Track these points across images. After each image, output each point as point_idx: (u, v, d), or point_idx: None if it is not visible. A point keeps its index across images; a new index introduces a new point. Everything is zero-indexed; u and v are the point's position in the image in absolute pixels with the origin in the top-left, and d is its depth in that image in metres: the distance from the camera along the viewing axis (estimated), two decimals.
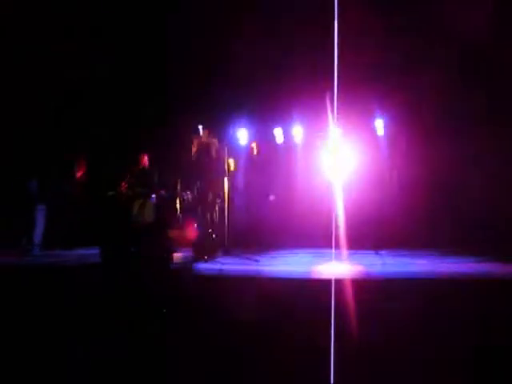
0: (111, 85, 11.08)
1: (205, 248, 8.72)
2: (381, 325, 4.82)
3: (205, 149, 9.23)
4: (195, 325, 5.17)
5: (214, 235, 8.94)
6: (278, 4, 10.31)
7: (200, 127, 9.30)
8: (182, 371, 4.10)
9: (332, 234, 10.08)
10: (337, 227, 10.01)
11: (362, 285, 5.89)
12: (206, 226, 8.95)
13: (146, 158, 10.13)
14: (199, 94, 11.11)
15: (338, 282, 5.91)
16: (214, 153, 9.22)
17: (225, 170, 9.23)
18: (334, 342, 4.31)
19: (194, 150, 9.20)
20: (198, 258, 8.49)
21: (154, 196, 9.87)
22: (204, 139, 9.28)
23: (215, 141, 9.34)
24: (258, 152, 11.31)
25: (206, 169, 9.14)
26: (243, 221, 10.33)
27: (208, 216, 9.02)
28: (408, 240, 9.65)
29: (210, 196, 9.05)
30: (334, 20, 7.41)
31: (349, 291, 5.63)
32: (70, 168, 10.61)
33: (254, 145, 11.28)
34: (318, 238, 10.00)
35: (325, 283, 5.89)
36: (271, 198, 10.94)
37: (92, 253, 7.72)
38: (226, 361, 4.26)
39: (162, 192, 10.02)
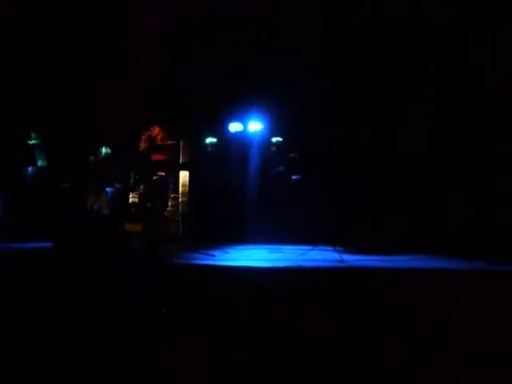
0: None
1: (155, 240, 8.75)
2: None
3: (154, 145, 9.23)
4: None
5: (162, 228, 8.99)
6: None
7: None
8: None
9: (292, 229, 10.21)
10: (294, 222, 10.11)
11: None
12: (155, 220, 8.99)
13: (102, 151, 10.07)
14: (160, 93, 11.07)
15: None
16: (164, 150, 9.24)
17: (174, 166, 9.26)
18: None
19: (142, 145, 9.20)
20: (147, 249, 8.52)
21: (109, 189, 9.80)
22: (155, 136, 9.27)
23: (168, 140, 9.34)
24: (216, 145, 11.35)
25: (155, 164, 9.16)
26: (204, 214, 10.32)
27: (157, 209, 9.04)
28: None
29: (158, 190, 9.05)
30: None
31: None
32: (28, 155, 10.47)
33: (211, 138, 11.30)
34: (277, 233, 10.08)
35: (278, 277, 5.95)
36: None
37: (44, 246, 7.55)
38: None
39: (117, 185, 9.94)
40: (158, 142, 9.26)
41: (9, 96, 10.53)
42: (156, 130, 9.23)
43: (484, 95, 9.75)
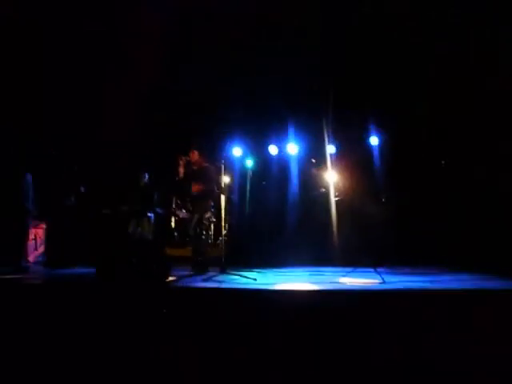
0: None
1: (200, 264, 8.77)
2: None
3: (192, 170, 9.27)
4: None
5: (205, 251, 9.02)
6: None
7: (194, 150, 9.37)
8: None
9: (331, 250, 10.16)
10: (335, 244, 10.06)
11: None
12: (198, 243, 9.00)
13: (146, 177, 10.18)
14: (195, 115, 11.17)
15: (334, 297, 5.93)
16: (203, 175, 9.27)
17: (214, 191, 9.27)
18: None
19: (181, 170, 9.23)
20: (196, 273, 8.53)
21: (150, 214, 9.88)
22: (193, 160, 9.31)
23: (206, 164, 9.37)
24: (254, 168, 11.37)
25: (194, 189, 9.17)
26: (241, 237, 10.35)
27: (198, 233, 9.05)
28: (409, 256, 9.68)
29: (198, 215, 9.06)
30: None
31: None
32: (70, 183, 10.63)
33: (249, 161, 11.33)
34: (317, 255, 10.04)
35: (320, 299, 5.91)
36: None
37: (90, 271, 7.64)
38: None
39: (158, 210, 10.02)
40: (195, 167, 9.30)
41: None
42: (195, 154, 9.27)
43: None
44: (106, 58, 10.90)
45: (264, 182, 11.61)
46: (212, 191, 9.21)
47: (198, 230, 9.02)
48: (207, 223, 10.77)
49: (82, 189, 10.73)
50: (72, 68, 10.76)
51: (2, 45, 10.19)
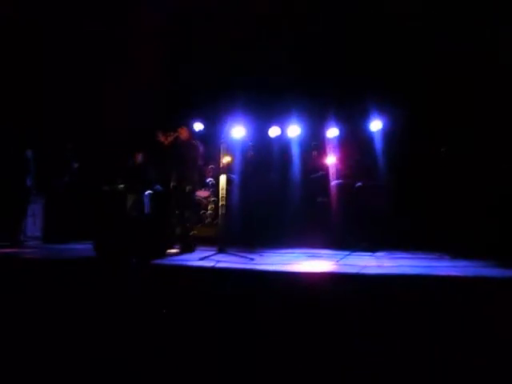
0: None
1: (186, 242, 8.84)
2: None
3: (180, 144, 9.27)
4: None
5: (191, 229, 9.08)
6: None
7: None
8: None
9: (329, 233, 10.17)
10: (334, 227, 10.07)
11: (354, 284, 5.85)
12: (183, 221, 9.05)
13: (139, 156, 10.19)
14: (196, 93, 11.16)
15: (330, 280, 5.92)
16: (190, 151, 9.27)
17: (200, 167, 9.33)
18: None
19: (166, 142, 9.24)
20: (183, 251, 8.59)
21: (148, 191, 9.87)
22: (182, 136, 9.32)
23: (193, 141, 9.38)
24: (254, 149, 11.36)
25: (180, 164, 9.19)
26: (240, 217, 10.35)
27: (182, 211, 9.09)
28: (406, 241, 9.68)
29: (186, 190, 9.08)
30: None
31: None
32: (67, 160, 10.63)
33: (250, 143, 11.32)
34: (315, 237, 10.05)
35: (316, 281, 5.90)
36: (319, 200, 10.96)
37: (87, 247, 7.64)
38: None
39: (158, 187, 10.01)
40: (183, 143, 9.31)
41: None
42: (184, 130, 9.29)
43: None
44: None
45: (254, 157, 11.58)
46: (198, 167, 9.27)
47: (185, 205, 9.08)
48: (205, 201, 10.80)
49: (75, 165, 10.71)
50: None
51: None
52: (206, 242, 9.55)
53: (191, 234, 9.08)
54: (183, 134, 9.27)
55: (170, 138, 9.19)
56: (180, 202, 9.04)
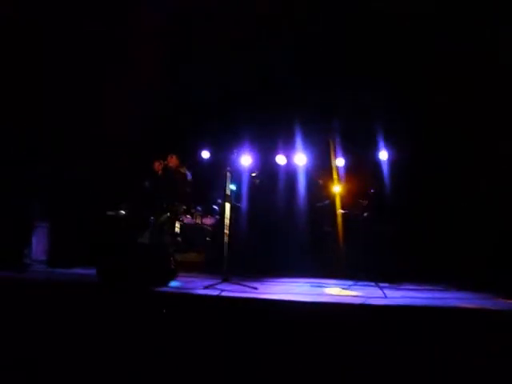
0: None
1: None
2: None
3: (169, 174, 9.35)
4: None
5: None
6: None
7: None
8: None
9: (333, 262, 10.16)
10: (338, 257, 10.05)
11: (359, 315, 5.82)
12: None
13: (146, 182, 10.24)
14: (203, 121, 11.23)
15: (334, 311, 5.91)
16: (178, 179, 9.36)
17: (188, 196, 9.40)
18: None
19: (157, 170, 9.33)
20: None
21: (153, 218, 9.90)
22: (171, 164, 9.40)
23: (182, 169, 9.47)
24: (261, 177, 11.39)
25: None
26: (244, 246, 10.35)
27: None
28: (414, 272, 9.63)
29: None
30: None
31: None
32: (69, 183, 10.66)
33: (253, 174, 11.35)
34: (320, 267, 10.04)
35: (320, 312, 5.89)
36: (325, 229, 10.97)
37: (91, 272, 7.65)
38: None
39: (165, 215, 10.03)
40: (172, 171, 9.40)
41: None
42: (173, 158, 9.40)
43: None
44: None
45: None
46: (186, 196, 9.33)
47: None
48: (210, 229, 10.84)
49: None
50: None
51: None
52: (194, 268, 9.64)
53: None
54: (172, 161, 9.36)
55: (160, 166, 9.30)
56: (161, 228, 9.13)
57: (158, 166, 9.41)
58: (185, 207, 10.69)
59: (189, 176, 9.52)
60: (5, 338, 5.62)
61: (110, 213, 10.43)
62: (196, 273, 9.38)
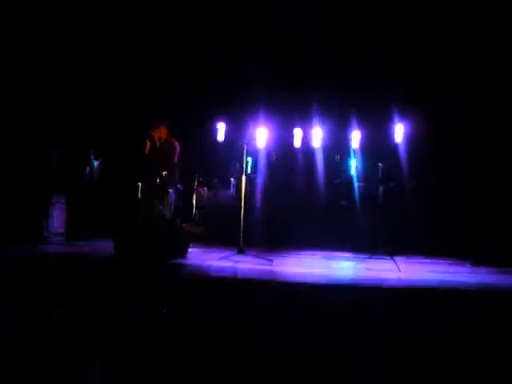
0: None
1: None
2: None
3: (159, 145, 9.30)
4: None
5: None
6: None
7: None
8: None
9: (350, 236, 10.17)
10: (355, 230, 10.06)
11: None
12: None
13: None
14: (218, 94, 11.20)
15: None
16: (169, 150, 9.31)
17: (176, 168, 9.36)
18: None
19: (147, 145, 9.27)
20: None
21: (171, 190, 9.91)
22: (162, 136, 9.35)
23: (172, 140, 9.41)
24: (277, 153, 11.39)
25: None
26: (261, 220, 10.38)
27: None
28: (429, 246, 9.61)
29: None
30: None
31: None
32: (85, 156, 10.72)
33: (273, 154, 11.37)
34: (336, 240, 10.06)
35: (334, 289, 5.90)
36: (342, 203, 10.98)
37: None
38: None
39: (179, 186, 10.05)
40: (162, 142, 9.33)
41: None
42: (163, 129, 9.33)
43: None
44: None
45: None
46: (175, 168, 9.27)
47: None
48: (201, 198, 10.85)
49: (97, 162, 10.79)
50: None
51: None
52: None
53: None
54: (162, 132, 9.27)
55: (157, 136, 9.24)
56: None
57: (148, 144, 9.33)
58: (201, 179, 10.73)
59: (177, 147, 9.35)
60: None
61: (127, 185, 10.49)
62: (199, 244, 9.33)
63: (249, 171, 8.94)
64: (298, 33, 10.70)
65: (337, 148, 11.65)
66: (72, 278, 6.18)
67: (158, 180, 8.98)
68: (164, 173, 9.04)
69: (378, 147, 11.00)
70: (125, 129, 11.12)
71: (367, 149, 11.13)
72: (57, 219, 10.02)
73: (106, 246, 7.68)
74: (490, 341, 4.68)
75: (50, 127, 10.45)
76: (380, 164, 10.13)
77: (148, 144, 9.14)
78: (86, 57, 11.04)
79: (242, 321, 5.31)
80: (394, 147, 10.87)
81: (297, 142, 11.59)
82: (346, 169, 11.17)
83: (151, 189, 9.10)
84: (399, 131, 10.84)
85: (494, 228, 9.32)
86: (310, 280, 6.01)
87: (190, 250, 7.91)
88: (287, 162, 11.81)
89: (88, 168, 10.68)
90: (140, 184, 9.41)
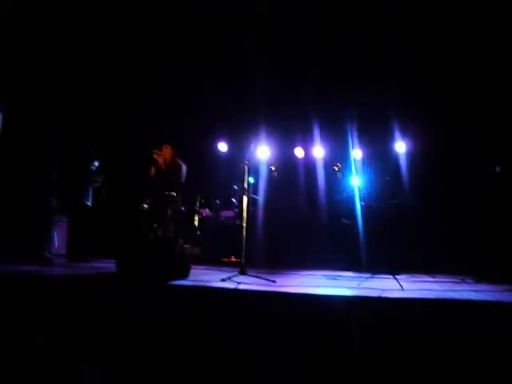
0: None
1: None
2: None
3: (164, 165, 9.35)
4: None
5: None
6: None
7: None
8: None
9: (351, 254, 10.16)
10: (357, 248, 10.05)
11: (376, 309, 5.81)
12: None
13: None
14: (221, 114, 11.23)
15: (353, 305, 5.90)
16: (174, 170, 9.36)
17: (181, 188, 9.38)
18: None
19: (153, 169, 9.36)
20: None
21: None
22: (166, 157, 9.40)
23: (178, 160, 9.46)
24: (278, 170, 11.41)
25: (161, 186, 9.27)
26: (263, 240, 10.38)
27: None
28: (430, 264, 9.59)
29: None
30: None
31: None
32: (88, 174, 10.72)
33: (272, 168, 11.38)
34: (338, 259, 10.04)
35: (339, 306, 5.89)
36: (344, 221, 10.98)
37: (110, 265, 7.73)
38: None
39: (182, 207, 10.08)
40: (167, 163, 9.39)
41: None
42: (168, 149, 9.39)
43: None
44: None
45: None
46: (180, 188, 9.32)
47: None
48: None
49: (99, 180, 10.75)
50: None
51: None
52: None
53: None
54: (167, 153, 9.35)
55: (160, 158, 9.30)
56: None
57: (158, 157, 9.40)
58: (203, 200, 10.75)
59: (183, 167, 9.44)
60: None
61: (129, 207, 10.51)
62: (195, 265, 9.31)
63: (250, 191, 8.93)
64: (298, 48, 10.77)
65: (338, 165, 11.67)
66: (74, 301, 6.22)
67: (163, 201, 9.05)
68: (170, 193, 9.11)
69: (379, 164, 11.02)
70: (127, 147, 11.17)
71: (369, 166, 11.15)
72: (58, 239, 10.04)
73: (109, 267, 7.69)
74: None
75: (50, 145, 10.45)
76: (381, 181, 10.16)
77: (152, 168, 9.21)
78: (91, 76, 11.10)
79: (244, 342, 5.33)
80: (395, 164, 10.91)
81: (298, 160, 11.64)
82: (348, 186, 11.18)
83: (155, 209, 9.14)
84: (400, 148, 10.87)
85: (495, 244, 9.33)
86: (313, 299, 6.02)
87: (192, 270, 7.91)
88: (289, 179, 11.84)
89: (90, 188, 10.66)
90: (145, 205, 9.47)
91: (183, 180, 9.36)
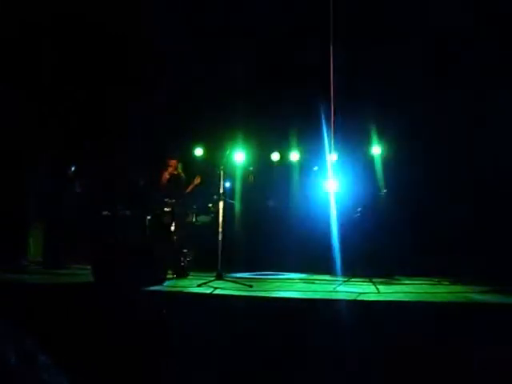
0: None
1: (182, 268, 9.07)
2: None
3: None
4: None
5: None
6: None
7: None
8: None
9: (328, 258, 10.17)
10: (333, 252, 10.07)
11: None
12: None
13: (141, 181, 10.27)
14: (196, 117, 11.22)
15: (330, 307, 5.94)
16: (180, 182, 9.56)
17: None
18: None
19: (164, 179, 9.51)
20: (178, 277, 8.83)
21: (149, 217, 9.92)
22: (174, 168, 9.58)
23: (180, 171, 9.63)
24: (255, 175, 11.42)
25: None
26: (239, 244, 10.39)
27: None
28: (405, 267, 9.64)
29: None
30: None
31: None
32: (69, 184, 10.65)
33: (250, 168, 11.38)
34: (314, 263, 10.07)
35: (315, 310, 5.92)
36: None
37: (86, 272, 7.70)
38: None
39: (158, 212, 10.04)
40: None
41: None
42: (174, 162, 9.59)
43: None
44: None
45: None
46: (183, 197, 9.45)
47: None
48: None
49: (77, 189, 10.69)
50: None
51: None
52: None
53: (188, 259, 9.22)
54: (173, 165, 9.56)
55: (167, 174, 9.48)
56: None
57: (165, 175, 9.60)
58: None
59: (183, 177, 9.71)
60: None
61: (105, 213, 10.45)
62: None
63: (226, 196, 8.93)
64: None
65: (314, 169, 11.70)
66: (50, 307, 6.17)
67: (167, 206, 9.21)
68: (171, 201, 9.24)
69: (355, 168, 11.05)
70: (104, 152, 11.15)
71: (345, 170, 11.18)
72: (34, 246, 9.97)
73: (85, 274, 7.66)
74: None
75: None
76: (357, 186, 10.20)
77: (164, 175, 9.40)
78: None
79: (220, 348, 5.33)
80: (372, 168, 10.96)
81: (274, 164, 11.67)
82: (324, 190, 11.20)
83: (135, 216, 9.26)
84: (377, 152, 10.93)
85: (470, 246, 9.41)
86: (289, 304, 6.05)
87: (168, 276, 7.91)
88: (265, 184, 11.85)
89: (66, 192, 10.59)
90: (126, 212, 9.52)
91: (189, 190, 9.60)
